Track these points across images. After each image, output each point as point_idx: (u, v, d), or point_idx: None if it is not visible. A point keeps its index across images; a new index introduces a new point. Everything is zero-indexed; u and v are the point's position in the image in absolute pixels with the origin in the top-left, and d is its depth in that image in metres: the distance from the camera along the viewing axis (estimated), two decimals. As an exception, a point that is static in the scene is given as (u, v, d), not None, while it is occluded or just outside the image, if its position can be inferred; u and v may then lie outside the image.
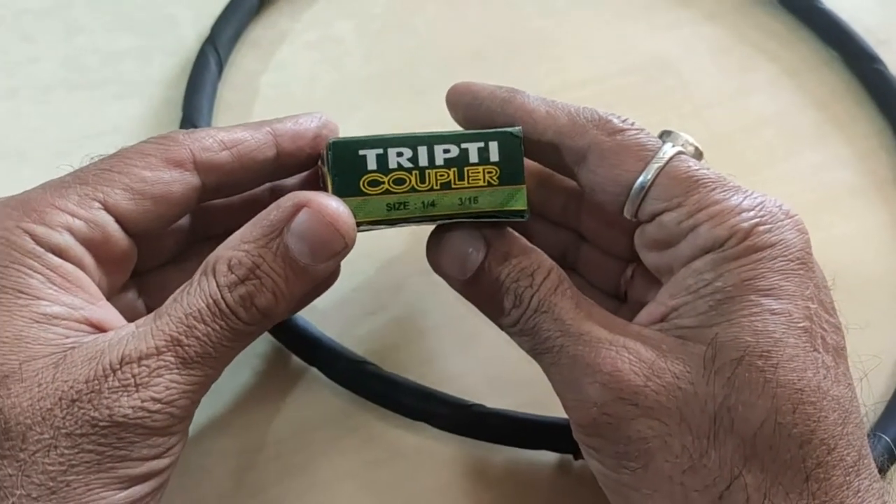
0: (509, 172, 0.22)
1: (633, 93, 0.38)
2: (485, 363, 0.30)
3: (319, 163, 0.25)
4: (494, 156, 0.22)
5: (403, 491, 0.27)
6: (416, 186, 0.22)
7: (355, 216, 0.21)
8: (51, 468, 0.18)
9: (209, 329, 0.20)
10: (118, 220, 0.21)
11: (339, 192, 0.21)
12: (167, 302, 0.20)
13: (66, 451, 0.18)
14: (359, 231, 0.22)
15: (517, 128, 0.22)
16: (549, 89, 0.37)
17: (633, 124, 0.23)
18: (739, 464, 0.19)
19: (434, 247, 0.23)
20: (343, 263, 0.33)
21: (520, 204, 0.22)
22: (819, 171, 0.36)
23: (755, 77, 0.39)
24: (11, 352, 0.19)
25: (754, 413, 0.19)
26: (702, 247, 0.21)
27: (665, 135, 0.24)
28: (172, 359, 0.19)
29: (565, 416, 0.28)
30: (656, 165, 0.22)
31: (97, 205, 0.21)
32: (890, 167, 0.37)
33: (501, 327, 0.23)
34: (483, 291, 0.22)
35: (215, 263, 0.20)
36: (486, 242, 0.22)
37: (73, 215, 0.21)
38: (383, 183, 0.22)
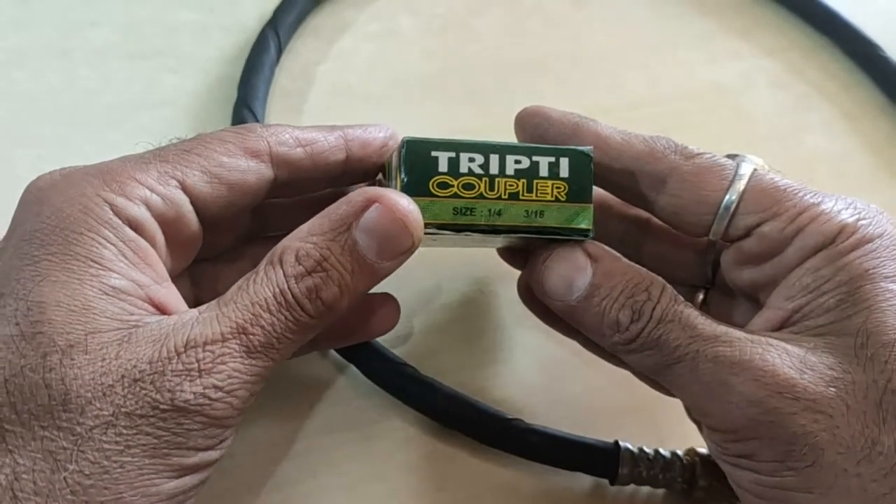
0: (578, 190, 0.22)
1: (690, 119, 0.37)
2: (524, 376, 0.29)
3: (380, 175, 0.25)
4: (564, 172, 0.22)
5: (433, 499, 0.27)
6: (484, 193, 0.22)
7: (423, 217, 0.21)
8: (107, 447, 0.18)
9: (274, 319, 0.19)
10: (193, 202, 0.21)
11: (409, 191, 0.21)
12: (231, 290, 0.20)
13: (123, 431, 0.18)
14: (424, 234, 0.21)
15: (589, 147, 0.23)
16: (608, 107, 0.37)
17: (703, 150, 0.23)
18: None
19: (537, 271, 0.23)
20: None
21: (585, 223, 0.22)
22: (871, 217, 0.36)
23: (812, 116, 0.39)
24: (79, 322, 0.18)
25: None
26: (812, 246, 0.21)
27: (733, 157, 0.25)
28: (237, 347, 0.19)
29: (605, 438, 0.27)
30: (741, 182, 0.22)
31: (175, 183, 0.21)
32: (941, 220, 0.36)
33: (614, 347, 0.22)
34: (592, 311, 0.22)
35: (282, 254, 0.20)
36: (593, 260, 0.22)
37: (151, 190, 0.20)
38: (452, 186, 0.22)
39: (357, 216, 0.20)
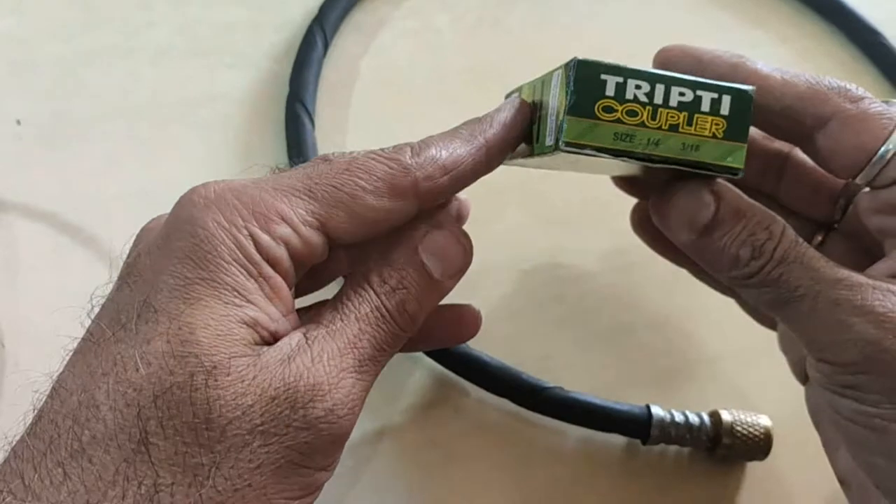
0: (735, 128, 0.22)
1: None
2: (564, 347, 0.32)
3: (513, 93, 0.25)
4: (725, 109, 0.22)
5: (485, 461, 0.30)
6: (646, 122, 0.22)
7: (584, 138, 0.22)
8: (241, 465, 0.18)
9: (375, 332, 0.21)
10: (330, 240, 0.22)
11: (574, 112, 0.22)
12: (325, 312, 0.21)
13: (257, 449, 0.19)
14: (583, 154, 0.22)
15: (751, 87, 0.22)
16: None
17: (867, 93, 0.24)
18: None
19: (661, 203, 0.24)
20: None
21: (737, 162, 0.22)
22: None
23: (820, 102, 0.41)
24: (223, 345, 0.19)
25: None
26: None
27: (890, 104, 0.25)
28: (352, 361, 0.20)
29: (638, 403, 0.30)
30: None
31: (317, 224, 0.21)
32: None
33: (732, 280, 0.24)
34: (712, 246, 0.23)
35: (368, 275, 0.22)
36: (716, 197, 0.23)
37: (294, 230, 0.21)
38: (616, 111, 0.22)
39: (420, 241, 0.23)
